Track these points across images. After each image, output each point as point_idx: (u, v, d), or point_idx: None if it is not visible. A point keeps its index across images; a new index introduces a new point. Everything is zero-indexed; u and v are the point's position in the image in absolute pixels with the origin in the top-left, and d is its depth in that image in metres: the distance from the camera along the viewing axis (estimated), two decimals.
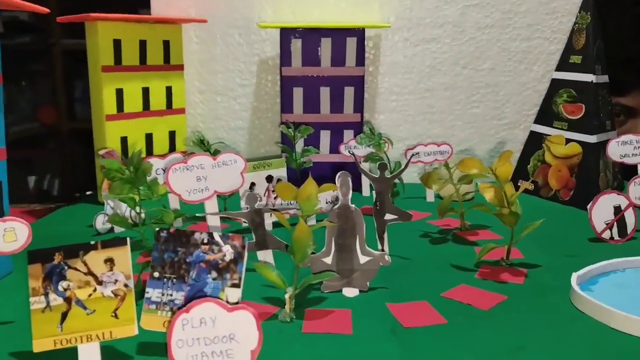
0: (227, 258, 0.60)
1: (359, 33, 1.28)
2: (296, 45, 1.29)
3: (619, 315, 0.67)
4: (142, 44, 1.25)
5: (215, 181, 0.85)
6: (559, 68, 1.27)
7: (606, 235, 0.97)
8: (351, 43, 1.29)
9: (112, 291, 0.58)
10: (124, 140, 1.25)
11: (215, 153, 1.10)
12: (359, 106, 1.33)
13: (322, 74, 1.31)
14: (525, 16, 1.37)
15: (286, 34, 1.28)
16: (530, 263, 0.88)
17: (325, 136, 1.35)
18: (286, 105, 1.32)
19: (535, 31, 1.37)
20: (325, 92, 1.32)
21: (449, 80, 1.40)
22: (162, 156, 1.09)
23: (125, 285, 0.58)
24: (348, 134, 1.34)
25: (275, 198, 1.06)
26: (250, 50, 1.40)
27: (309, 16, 1.38)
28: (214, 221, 0.86)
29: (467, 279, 0.83)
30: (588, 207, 0.98)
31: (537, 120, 1.31)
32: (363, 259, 0.78)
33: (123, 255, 0.58)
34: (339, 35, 1.28)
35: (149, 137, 1.29)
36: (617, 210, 0.98)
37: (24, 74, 1.60)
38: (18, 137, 1.57)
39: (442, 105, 1.42)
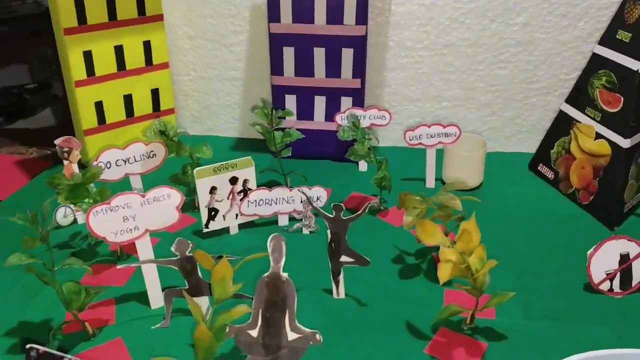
0: None
1: None
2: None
3: None
4: None
5: (145, 219, 0.77)
6: (602, 41, 1.02)
7: (605, 286, 0.83)
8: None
9: None
10: (98, 105, 1.16)
11: (178, 146, 0.99)
12: (359, 71, 1.15)
13: (316, 32, 1.12)
14: None
15: None
16: (497, 330, 0.77)
17: (320, 102, 1.19)
18: (276, 67, 1.17)
19: None
20: (320, 53, 1.14)
21: (472, 36, 1.17)
22: (124, 147, 0.99)
23: None
24: (346, 101, 1.18)
25: (241, 200, 0.97)
26: None
27: None
28: (148, 269, 0.80)
29: (416, 353, 0.74)
30: (588, 253, 0.83)
31: (569, 100, 1.09)
32: (292, 336, 0.70)
33: None
34: None
35: (127, 99, 1.20)
36: (624, 258, 0.82)
37: None
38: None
39: (463, 64, 1.20)
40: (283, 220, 1.01)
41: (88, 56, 1.11)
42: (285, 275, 0.70)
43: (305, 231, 0.98)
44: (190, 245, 0.76)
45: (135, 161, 1.00)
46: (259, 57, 1.27)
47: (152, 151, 1.01)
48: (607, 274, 0.83)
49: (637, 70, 0.94)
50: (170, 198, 0.78)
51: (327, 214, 0.80)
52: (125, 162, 0.99)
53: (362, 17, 1.10)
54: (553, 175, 1.12)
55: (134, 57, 1.17)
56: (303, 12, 1.10)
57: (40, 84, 1.57)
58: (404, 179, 1.16)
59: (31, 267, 0.70)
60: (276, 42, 1.14)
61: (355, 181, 1.15)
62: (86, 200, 0.87)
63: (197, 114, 1.36)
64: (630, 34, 0.95)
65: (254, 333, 0.71)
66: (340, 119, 1.15)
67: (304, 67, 1.16)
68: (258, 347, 0.71)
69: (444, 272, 0.67)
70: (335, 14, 1.10)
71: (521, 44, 1.16)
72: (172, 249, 0.76)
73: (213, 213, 0.97)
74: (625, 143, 0.96)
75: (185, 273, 0.77)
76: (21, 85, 1.53)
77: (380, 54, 1.22)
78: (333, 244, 0.81)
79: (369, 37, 1.17)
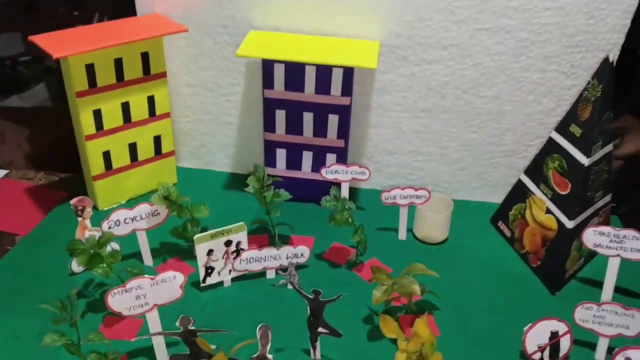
0: None
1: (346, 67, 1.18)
2: (279, 69, 1.21)
3: None
4: (118, 63, 1.20)
5: (155, 296, 0.91)
6: (558, 129, 1.15)
7: (536, 357, 0.99)
8: (337, 74, 1.19)
9: None
10: (106, 154, 1.28)
11: (179, 209, 1.13)
12: (343, 133, 1.27)
13: (305, 99, 1.24)
14: (543, 46, 1.19)
15: (268, 62, 1.19)
16: None
17: (307, 156, 1.32)
18: (268, 125, 1.29)
19: (551, 63, 1.21)
20: (308, 117, 1.26)
21: (447, 103, 1.30)
22: (131, 208, 1.12)
23: None
24: (331, 157, 1.31)
25: (234, 258, 1.11)
26: None
27: (301, 25, 1.25)
28: (157, 341, 0.94)
29: None
30: (525, 329, 0.99)
31: (528, 172, 1.23)
32: None
33: None
34: (324, 70, 1.19)
35: (132, 146, 1.31)
36: (554, 335, 0.98)
37: None
38: None
39: (437, 126, 1.33)
40: (270, 274, 1.16)
41: (97, 114, 1.22)
42: (270, 356, 0.85)
43: (290, 287, 1.13)
44: (192, 321, 0.91)
45: (141, 219, 1.13)
46: (253, 106, 1.38)
47: (156, 210, 1.14)
48: (539, 347, 0.99)
49: (584, 165, 1.08)
50: (175, 279, 0.92)
51: (308, 295, 0.95)
52: (132, 220, 1.12)
53: (347, 89, 1.21)
54: (510, 234, 1.27)
55: (139, 111, 1.28)
56: (294, 82, 1.22)
57: (34, 56, 1.62)
58: (379, 228, 1.31)
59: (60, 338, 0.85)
60: (269, 105, 1.26)
61: (336, 229, 1.29)
62: (101, 265, 1.01)
63: (195, 150, 1.48)
64: (581, 130, 1.09)
65: None
66: (326, 172, 1.28)
67: (294, 127, 1.28)
68: None
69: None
70: (323, 86, 1.21)
71: (490, 113, 1.29)
72: (177, 323, 0.90)
73: (209, 270, 1.11)
74: (569, 224, 1.11)
75: (187, 343, 0.92)
76: (14, 56, 1.56)
77: (365, 113, 1.34)
78: (312, 318, 0.96)
79: (354, 99, 1.29)
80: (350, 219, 1.15)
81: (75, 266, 1.13)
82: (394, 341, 1.03)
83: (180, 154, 1.49)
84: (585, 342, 1.02)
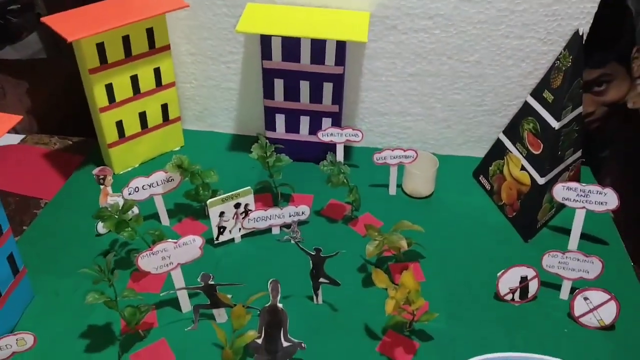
0: None
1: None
2: (276, 42, 1.29)
3: None
4: (126, 39, 1.28)
5: (178, 257, 1.05)
6: (533, 94, 1.26)
7: (508, 297, 1.15)
8: (331, 46, 1.28)
9: None
10: (119, 123, 1.38)
11: (192, 175, 1.25)
12: (337, 99, 1.38)
13: (302, 69, 1.33)
14: (521, 15, 1.28)
15: (266, 36, 1.28)
16: (427, 333, 1.10)
17: (304, 121, 1.43)
18: (267, 93, 1.39)
19: (529, 31, 1.30)
20: (305, 85, 1.36)
21: (432, 68, 1.39)
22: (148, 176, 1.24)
23: None
24: (326, 121, 1.42)
25: (243, 219, 1.25)
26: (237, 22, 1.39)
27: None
28: (181, 294, 1.09)
29: (370, 351, 1.06)
30: (498, 275, 1.14)
31: (506, 132, 1.35)
32: (285, 344, 1.02)
33: None
34: (318, 42, 1.28)
35: (142, 115, 1.42)
36: (524, 279, 1.14)
37: None
38: None
39: (424, 89, 1.44)
40: (276, 230, 1.30)
41: (109, 88, 1.31)
42: (280, 305, 1.00)
43: (293, 241, 1.27)
44: (211, 276, 1.05)
45: (157, 185, 1.25)
46: (252, 73, 1.47)
47: (170, 177, 1.26)
48: (510, 289, 1.15)
49: (554, 128, 1.20)
50: (195, 242, 1.05)
51: (310, 252, 1.09)
52: (149, 186, 1.24)
53: (340, 59, 1.31)
54: (489, 187, 1.41)
55: (147, 82, 1.37)
56: (291, 54, 1.31)
57: (23, 4, 1.67)
58: (372, 185, 1.44)
59: (101, 296, 0.99)
60: (268, 75, 1.35)
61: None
62: (126, 229, 1.15)
63: (199, 114, 1.59)
64: (552, 97, 1.20)
65: (259, 341, 1.02)
66: (322, 135, 1.40)
67: (291, 94, 1.38)
68: (262, 350, 1.03)
69: (389, 307, 0.98)
70: (317, 57, 1.31)
71: (473, 77, 1.40)
72: (199, 280, 1.05)
73: (222, 229, 1.25)
74: (541, 180, 1.25)
75: (208, 295, 1.07)
76: (2, 4, 1.59)
77: (357, 78, 1.44)
78: (314, 271, 1.10)
79: (347, 66, 1.39)
80: (345, 181, 1.28)
81: (101, 228, 1.27)
82: (386, 289, 1.19)
83: (185, 117, 1.59)
84: (551, 283, 1.18)
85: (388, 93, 1.46)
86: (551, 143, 1.21)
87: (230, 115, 1.57)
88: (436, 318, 1.06)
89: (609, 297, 1.09)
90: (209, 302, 1.08)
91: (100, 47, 1.25)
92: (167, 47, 1.37)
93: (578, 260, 1.13)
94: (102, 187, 1.26)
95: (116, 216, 1.14)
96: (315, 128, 1.42)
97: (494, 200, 1.39)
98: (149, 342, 1.06)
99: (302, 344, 1.02)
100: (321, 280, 1.12)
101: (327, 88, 1.36)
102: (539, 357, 0.99)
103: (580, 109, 1.24)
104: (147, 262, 1.03)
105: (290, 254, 1.24)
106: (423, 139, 1.52)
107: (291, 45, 1.29)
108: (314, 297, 1.14)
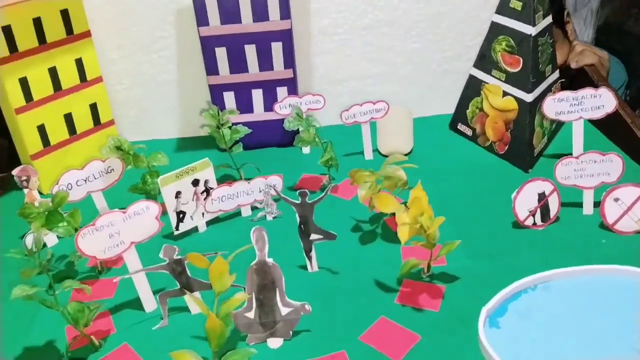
0: None
1: None
2: (211, 2, 1.15)
3: None
4: (37, 22, 1.11)
5: (129, 232, 0.84)
6: (498, 11, 1.16)
7: (529, 222, 0.99)
8: None
9: None
10: (41, 128, 1.18)
11: (135, 158, 1.05)
12: (289, 61, 1.24)
13: (245, 30, 1.19)
14: None
15: None
16: (449, 274, 0.91)
17: (257, 95, 1.27)
18: (210, 68, 1.23)
19: None
20: (251, 50, 1.22)
21: (386, 16, 1.29)
22: (82, 168, 1.03)
23: None
24: (281, 91, 1.27)
25: (205, 199, 1.05)
26: None
27: None
28: (138, 277, 0.86)
29: (388, 305, 0.86)
30: (512, 196, 0.98)
31: (477, 65, 1.24)
32: (284, 310, 0.80)
33: None
34: None
35: (68, 117, 1.22)
36: (541, 196, 0.98)
37: None
38: None
39: (381, 42, 1.32)
40: (246, 211, 1.10)
41: (24, 82, 1.12)
42: (270, 260, 0.79)
43: (269, 217, 1.07)
44: (177, 249, 0.83)
45: (95, 179, 1.04)
46: (190, 58, 1.31)
47: (109, 167, 1.05)
48: (530, 211, 0.99)
49: (531, 35, 1.09)
50: (149, 210, 0.85)
51: (294, 200, 0.90)
52: (85, 181, 1.03)
53: (285, 12, 1.18)
54: (471, 132, 1.28)
55: (69, 76, 1.19)
56: (230, 14, 1.17)
57: None
58: (345, 154, 1.27)
59: (32, 295, 0.75)
60: (207, 44, 1.20)
61: (302, 164, 1.25)
62: (61, 224, 0.92)
63: (136, 120, 1.40)
64: (521, 3, 1.10)
65: (251, 315, 0.80)
66: (279, 108, 1.24)
67: (238, 64, 1.23)
68: (256, 326, 0.80)
69: (403, 234, 0.80)
70: (260, 12, 1.17)
71: (428, 19, 1.29)
72: (160, 255, 0.83)
73: (181, 215, 1.04)
74: (528, 97, 1.13)
75: (175, 275, 0.84)
76: None
77: (306, 42, 1.31)
78: (302, 226, 0.91)
79: (293, 27, 1.26)
80: (317, 139, 1.11)
81: (30, 242, 1.03)
82: (387, 239, 1.01)
83: (120, 128, 1.39)
84: (570, 203, 1.03)
85: (343, 54, 1.33)
86: (530, 54, 1.10)
87: (172, 115, 1.39)
88: (456, 257, 0.88)
89: None
90: (178, 287, 0.85)
91: (7, 31, 1.07)
92: (87, 34, 1.20)
93: (595, 162, 0.99)
94: (26, 190, 1.03)
95: (46, 212, 0.91)
96: (270, 101, 1.26)
97: (479, 144, 1.26)
98: (107, 352, 0.82)
99: (306, 305, 0.81)
100: (313, 237, 0.92)
101: (277, 49, 1.22)
102: (584, 267, 0.83)
103: (550, 18, 1.15)
104: (89, 242, 0.81)
105: (270, 233, 1.03)
106: (389, 102, 1.39)
107: (229, 4, 1.15)
108: (307, 264, 0.94)
